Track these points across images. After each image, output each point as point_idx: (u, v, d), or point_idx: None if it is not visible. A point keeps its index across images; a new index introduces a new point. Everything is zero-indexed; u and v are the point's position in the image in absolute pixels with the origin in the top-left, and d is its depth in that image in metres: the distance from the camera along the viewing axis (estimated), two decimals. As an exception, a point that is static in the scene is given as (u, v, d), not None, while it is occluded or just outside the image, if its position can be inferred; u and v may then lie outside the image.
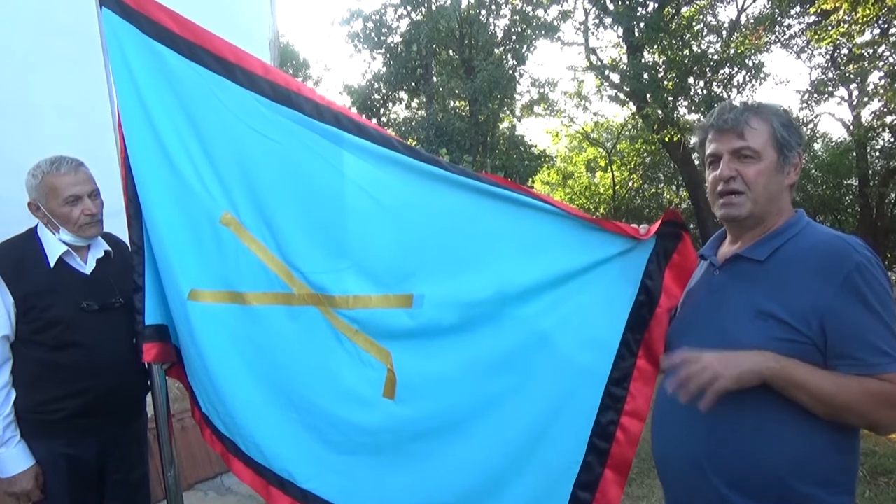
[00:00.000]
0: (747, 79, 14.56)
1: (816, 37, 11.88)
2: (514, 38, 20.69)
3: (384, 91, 21.94)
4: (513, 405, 1.75)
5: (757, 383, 1.38)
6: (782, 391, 1.39)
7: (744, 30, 14.51)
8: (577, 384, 1.71)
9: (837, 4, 9.97)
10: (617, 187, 18.99)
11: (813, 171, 15.97)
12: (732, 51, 13.90)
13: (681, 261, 1.67)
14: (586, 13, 16.84)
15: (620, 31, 16.11)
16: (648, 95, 14.38)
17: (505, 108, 21.07)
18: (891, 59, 11.60)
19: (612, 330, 1.69)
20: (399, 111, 22.81)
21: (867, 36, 11.59)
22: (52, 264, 2.11)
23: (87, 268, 2.19)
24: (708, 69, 14.42)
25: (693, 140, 1.75)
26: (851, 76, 12.62)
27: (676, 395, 1.58)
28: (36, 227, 2.17)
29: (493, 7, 20.26)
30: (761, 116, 1.53)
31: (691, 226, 17.32)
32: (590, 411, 1.71)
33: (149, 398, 2.22)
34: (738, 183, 1.52)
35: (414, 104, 22.51)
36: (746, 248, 1.57)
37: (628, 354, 1.69)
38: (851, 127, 14.20)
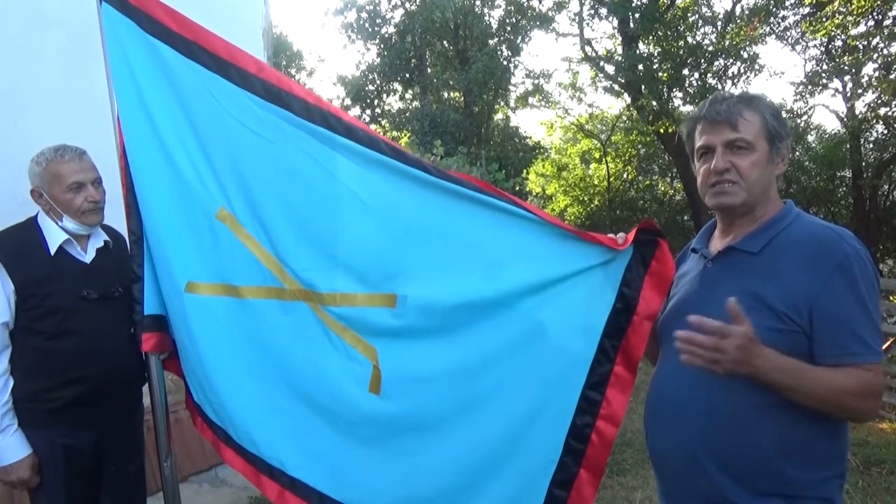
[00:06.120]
0: (742, 70, 14.59)
1: (811, 28, 11.91)
2: (508, 28, 20.65)
3: (378, 82, 21.86)
4: (493, 406, 1.79)
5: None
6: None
7: (739, 21, 14.52)
8: (555, 387, 1.75)
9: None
10: (611, 179, 18.98)
11: (807, 162, 16.00)
12: (727, 42, 13.90)
13: (659, 267, 1.69)
14: (581, 4, 16.83)
15: (615, 22, 16.10)
16: (643, 87, 14.38)
17: (499, 100, 21.06)
18: (885, 51, 11.64)
19: (589, 336, 1.73)
20: (393, 102, 22.76)
21: (862, 27, 11.63)
22: (52, 252, 2.11)
23: (87, 257, 2.19)
24: (703, 60, 14.45)
25: (681, 130, 1.75)
26: (846, 68, 12.65)
27: (670, 390, 1.61)
28: (36, 215, 2.17)
29: (488, -3, 20.19)
30: (753, 108, 1.54)
31: (685, 217, 17.38)
32: (566, 414, 1.74)
33: (145, 389, 2.23)
34: (733, 174, 1.54)
35: (408, 95, 22.43)
36: (740, 241, 1.58)
37: (605, 360, 1.72)
38: (845, 118, 14.24)
